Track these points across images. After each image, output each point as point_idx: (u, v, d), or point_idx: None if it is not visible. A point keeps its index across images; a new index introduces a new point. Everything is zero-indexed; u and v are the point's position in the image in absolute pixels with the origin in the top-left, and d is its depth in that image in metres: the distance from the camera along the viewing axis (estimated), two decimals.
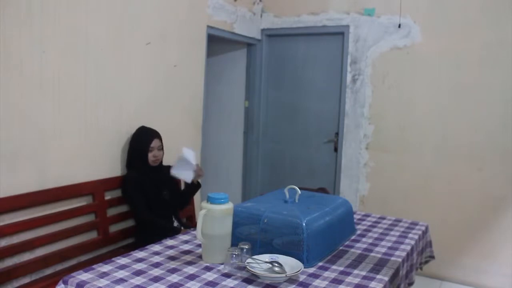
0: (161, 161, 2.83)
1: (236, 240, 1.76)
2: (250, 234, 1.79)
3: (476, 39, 3.43)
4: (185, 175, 2.41)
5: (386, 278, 1.60)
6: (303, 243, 1.67)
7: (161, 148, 2.79)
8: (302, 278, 1.58)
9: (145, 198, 2.64)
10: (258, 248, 1.75)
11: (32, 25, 2.22)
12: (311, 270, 1.66)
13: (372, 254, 1.87)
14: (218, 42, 4.15)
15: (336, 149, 4.15)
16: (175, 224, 2.78)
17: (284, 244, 1.71)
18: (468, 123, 3.50)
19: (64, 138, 2.45)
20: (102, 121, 2.68)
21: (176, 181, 2.90)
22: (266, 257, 1.65)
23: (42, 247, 2.33)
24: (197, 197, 3.37)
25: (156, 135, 2.78)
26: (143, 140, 2.74)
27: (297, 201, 1.95)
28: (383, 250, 1.92)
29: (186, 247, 1.88)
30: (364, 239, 2.07)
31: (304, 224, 1.69)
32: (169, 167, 2.83)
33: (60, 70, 2.40)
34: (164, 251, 1.81)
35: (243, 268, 1.59)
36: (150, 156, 2.72)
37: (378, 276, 1.61)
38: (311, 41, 4.23)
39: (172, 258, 1.74)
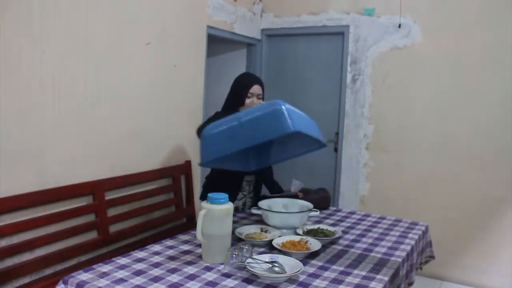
0: None
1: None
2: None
3: (476, 39, 3.44)
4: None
5: (386, 278, 1.60)
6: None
7: (261, 97, 2.44)
8: (302, 278, 1.58)
9: None
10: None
11: (32, 25, 2.22)
12: (311, 270, 1.66)
13: (372, 254, 1.87)
14: (218, 42, 4.15)
15: (336, 149, 4.15)
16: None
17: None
18: (468, 123, 3.50)
19: (64, 138, 2.45)
20: (102, 121, 2.68)
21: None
22: (266, 257, 1.65)
23: (42, 247, 2.33)
24: (197, 197, 3.38)
25: (258, 81, 2.47)
26: (243, 84, 2.43)
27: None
28: (383, 250, 1.92)
29: (186, 247, 1.88)
30: (364, 239, 2.07)
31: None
32: None
33: (60, 70, 2.40)
34: (164, 251, 1.81)
35: (243, 268, 1.59)
36: (248, 103, 2.38)
37: (378, 276, 1.61)
38: (311, 41, 4.23)
39: (172, 258, 1.74)
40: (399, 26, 3.71)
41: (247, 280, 1.53)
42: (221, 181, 2.45)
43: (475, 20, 3.43)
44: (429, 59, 3.62)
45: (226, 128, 1.69)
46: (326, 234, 2.00)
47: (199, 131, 2.27)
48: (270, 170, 2.70)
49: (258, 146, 1.74)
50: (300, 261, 1.65)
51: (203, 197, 2.55)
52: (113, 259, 1.70)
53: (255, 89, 2.40)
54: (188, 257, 1.75)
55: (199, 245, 1.83)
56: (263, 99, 2.47)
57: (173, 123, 3.28)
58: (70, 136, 2.49)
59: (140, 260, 1.70)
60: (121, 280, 1.50)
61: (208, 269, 1.63)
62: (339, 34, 4.03)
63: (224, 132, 1.69)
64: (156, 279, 1.52)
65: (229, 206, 1.70)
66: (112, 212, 2.76)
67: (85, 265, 1.87)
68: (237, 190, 2.51)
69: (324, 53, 4.18)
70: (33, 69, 2.25)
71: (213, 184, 2.53)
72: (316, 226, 2.09)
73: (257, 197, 2.57)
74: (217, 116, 2.33)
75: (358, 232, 2.19)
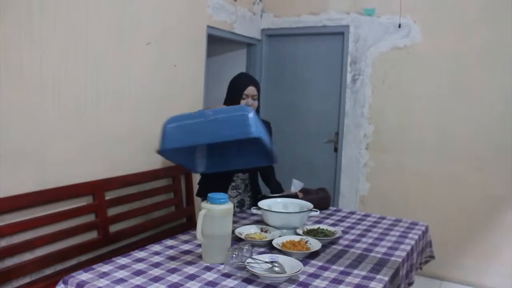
0: None
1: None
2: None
3: (476, 39, 3.44)
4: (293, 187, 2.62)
5: (386, 278, 1.60)
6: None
7: (256, 98, 2.45)
8: (302, 278, 1.58)
9: None
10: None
11: (32, 25, 2.22)
12: (311, 270, 1.66)
13: (372, 254, 1.87)
14: (218, 42, 4.15)
15: (336, 149, 4.15)
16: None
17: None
18: (468, 123, 3.50)
19: (64, 138, 2.45)
20: (102, 120, 2.68)
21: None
22: (266, 257, 1.65)
23: (42, 247, 2.33)
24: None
25: (253, 82, 2.47)
26: (238, 86, 2.45)
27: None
28: (383, 250, 1.93)
29: (186, 247, 1.88)
30: (364, 239, 2.07)
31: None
32: (267, 123, 2.57)
33: (60, 70, 2.40)
34: (164, 251, 1.81)
35: (243, 268, 1.59)
36: (243, 104, 2.39)
37: (378, 276, 1.61)
38: (311, 41, 4.23)
39: (172, 258, 1.74)
40: (399, 26, 3.71)
41: (247, 280, 1.53)
42: (214, 176, 2.46)
43: (475, 20, 3.43)
44: (429, 59, 3.62)
45: (190, 122, 1.78)
46: (326, 234, 2.01)
47: None
48: (271, 170, 2.70)
49: (212, 149, 1.85)
50: (300, 261, 1.65)
51: (199, 194, 2.58)
52: (113, 259, 1.70)
53: (250, 90, 2.42)
54: (188, 257, 1.75)
55: (199, 245, 1.83)
56: (258, 100, 2.48)
57: None
58: (70, 136, 2.49)
59: (140, 260, 1.70)
60: (121, 280, 1.50)
61: (208, 269, 1.63)
62: (339, 34, 4.03)
63: (188, 125, 1.78)
64: (156, 279, 1.52)
65: (229, 206, 1.71)
66: (112, 212, 2.76)
67: (85, 265, 1.87)
68: (228, 185, 2.53)
69: (324, 53, 4.18)
70: (33, 69, 2.25)
71: (206, 180, 2.56)
72: (316, 226, 2.10)
73: (256, 196, 2.57)
74: None
75: (358, 232, 2.19)
